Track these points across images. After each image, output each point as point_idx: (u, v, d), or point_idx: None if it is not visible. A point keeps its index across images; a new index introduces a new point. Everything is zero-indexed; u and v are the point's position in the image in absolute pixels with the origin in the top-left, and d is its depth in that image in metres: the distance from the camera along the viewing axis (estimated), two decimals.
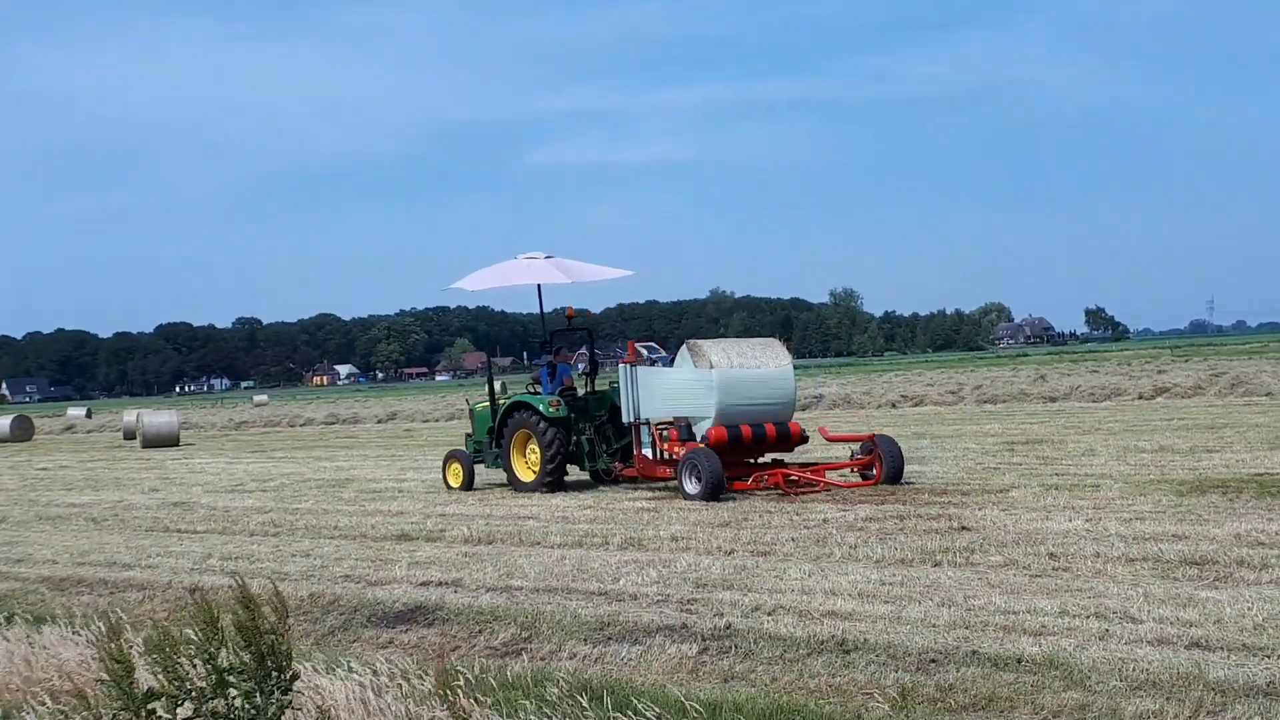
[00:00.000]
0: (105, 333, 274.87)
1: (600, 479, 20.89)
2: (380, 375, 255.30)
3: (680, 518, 15.88)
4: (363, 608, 11.68)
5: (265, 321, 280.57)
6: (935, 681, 8.10)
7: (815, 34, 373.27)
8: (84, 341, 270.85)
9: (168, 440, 46.12)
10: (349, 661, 7.89)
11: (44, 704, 6.79)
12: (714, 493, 17.37)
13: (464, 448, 22.48)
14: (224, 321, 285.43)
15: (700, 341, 19.14)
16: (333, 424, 58.32)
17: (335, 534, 16.70)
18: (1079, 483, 17.21)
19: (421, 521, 17.22)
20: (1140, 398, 39.61)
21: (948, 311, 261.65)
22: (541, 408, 20.32)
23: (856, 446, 19.04)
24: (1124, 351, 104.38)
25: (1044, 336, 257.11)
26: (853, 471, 18.73)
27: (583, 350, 24.84)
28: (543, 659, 9.54)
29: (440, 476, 22.18)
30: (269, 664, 5.24)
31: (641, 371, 19.47)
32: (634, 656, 9.32)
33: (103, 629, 6.10)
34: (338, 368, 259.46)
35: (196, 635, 5.41)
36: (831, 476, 18.48)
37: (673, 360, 19.88)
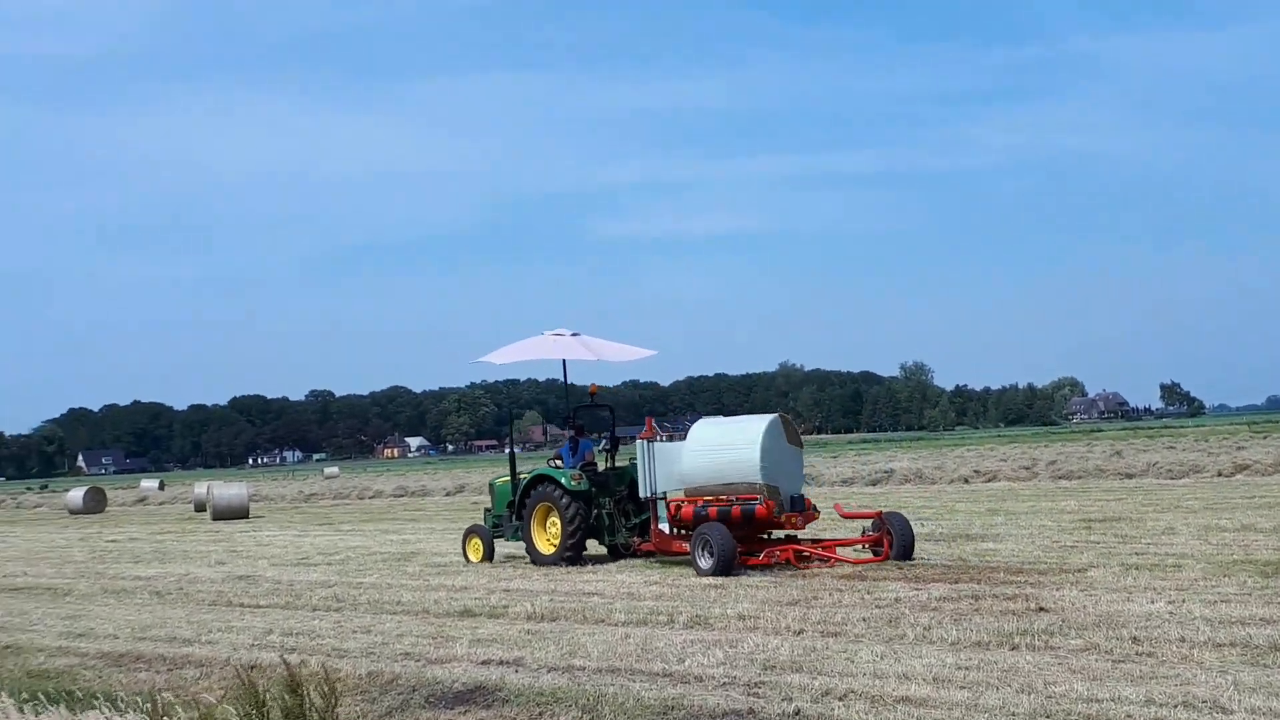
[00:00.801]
0: (180, 405, 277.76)
1: (619, 553, 21.06)
2: (450, 448, 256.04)
3: (748, 595, 15.51)
4: (421, 687, 11.41)
5: (338, 394, 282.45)
6: None
7: (884, 105, 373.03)
8: (159, 414, 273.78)
9: (238, 512, 46.23)
10: None
11: None
12: (726, 568, 17.47)
13: (483, 523, 22.84)
14: (297, 394, 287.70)
15: (703, 420, 19.98)
16: (401, 496, 58.27)
17: (398, 609, 16.47)
18: (1160, 562, 16.67)
19: (485, 597, 16.95)
20: (1219, 474, 38.70)
21: (1020, 386, 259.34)
22: (564, 481, 20.57)
23: (868, 524, 19.01)
24: (1200, 427, 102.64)
25: (1118, 412, 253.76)
26: (864, 548, 18.66)
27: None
28: None
29: (460, 551, 22.48)
30: None
31: (658, 447, 19.74)
32: None
33: (150, 709, 5.86)
34: (408, 440, 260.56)
35: (242, 716, 5.16)
36: (842, 553, 18.54)
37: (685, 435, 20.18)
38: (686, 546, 18.71)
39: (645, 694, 10.31)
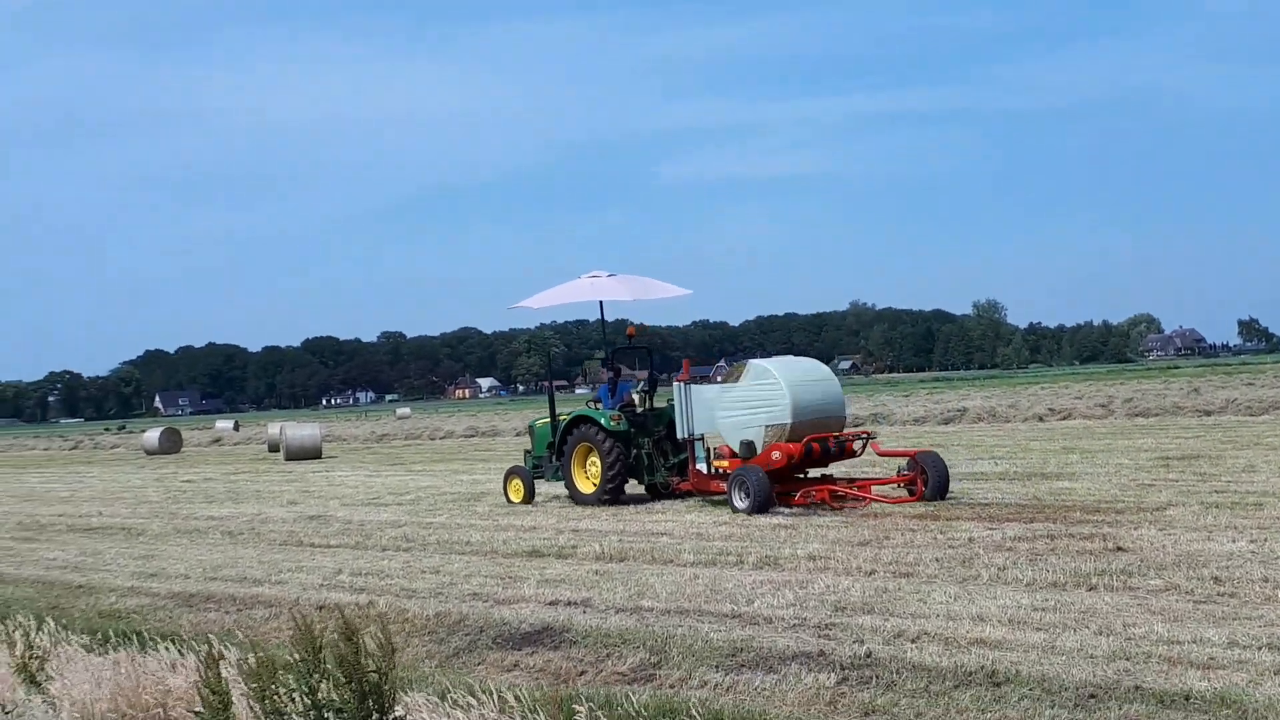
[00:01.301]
0: (254, 347, 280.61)
1: (657, 492, 21.32)
2: (521, 388, 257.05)
3: (818, 535, 15.33)
4: (489, 628, 11.34)
5: (409, 335, 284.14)
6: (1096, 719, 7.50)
7: (957, 43, 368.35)
8: (234, 355, 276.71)
9: (310, 453, 46.53)
10: (461, 695, 7.50)
11: None
12: (763, 507, 17.84)
13: (523, 464, 23.09)
14: (369, 336, 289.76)
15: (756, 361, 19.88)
16: (472, 437, 58.50)
17: (466, 549, 16.44)
18: (1240, 501, 16.30)
19: (553, 537, 16.89)
20: None
21: (1095, 323, 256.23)
22: (603, 422, 20.92)
23: (903, 463, 19.16)
24: None
25: (1195, 348, 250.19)
26: (899, 487, 18.82)
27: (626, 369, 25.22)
28: (672, 686, 9.10)
29: (502, 491, 22.58)
30: (370, 703, 4.83)
31: (695, 389, 20.02)
32: (768, 686, 8.83)
33: (205, 654, 5.78)
34: (479, 381, 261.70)
35: (296, 665, 5.05)
36: (878, 492, 18.60)
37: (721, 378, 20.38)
38: (724, 486, 18.95)
39: (713, 635, 10.18)
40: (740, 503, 18.15)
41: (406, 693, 7.47)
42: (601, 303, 22.98)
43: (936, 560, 12.92)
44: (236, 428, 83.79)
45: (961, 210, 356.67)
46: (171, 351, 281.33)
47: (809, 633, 10.10)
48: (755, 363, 19.80)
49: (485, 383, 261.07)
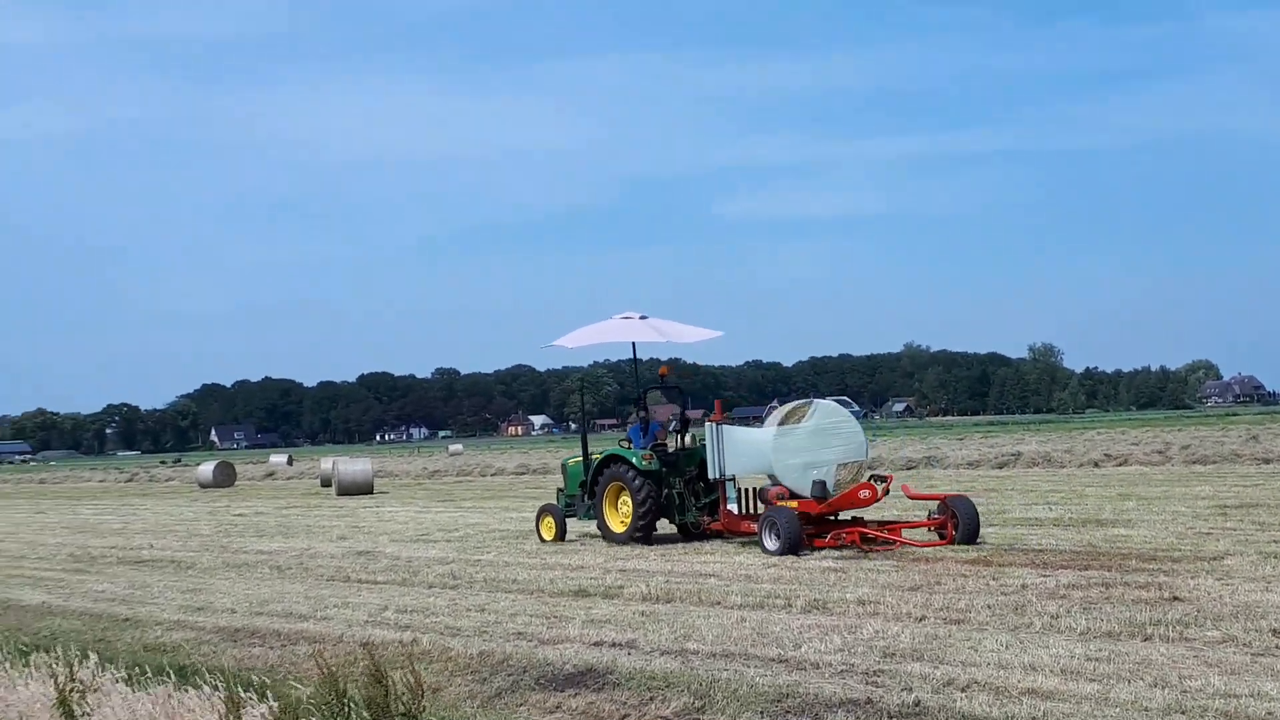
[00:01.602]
0: (310, 382, 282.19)
1: (688, 532, 21.38)
2: (573, 426, 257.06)
3: (868, 579, 15.13)
4: (532, 668, 11.22)
5: (463, 372, 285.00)
6: None
7: (1013, 84, 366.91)
8: (290, 390, 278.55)
9: (362, 488, 46.61)
10: None
11: None
12: (792, 549, 17.83)
13: (555, 502, 23.26)
14: (424, 372, 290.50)
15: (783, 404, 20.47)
16: (523, 474, 58.44)
17: (513, 588, 16.35)
18: None
19: (600, 577, 16.77)
20: None
21: (1152, 368, 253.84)
22: (635, 461, 20.97)
23: (934, 506, 19.21)
24: None
25: (1254, 395, 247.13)
26: (930, 530, 18.82)
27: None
28: None
29: (534, 529, 22.77)
30: None
31: (727, 430, 20.16)
32: None
33: (226, 698, 5.70)
34: (532, 418, 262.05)
35: (320, 709, 4.95)
36: (908, 535, 18.62)
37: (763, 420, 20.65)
38: (755, 526, 19.02)
39: (759, 680, 10.02)
40: (771, 544, 18.18)
41: None
42: (634, 344, 23.21)
43: (988, 607, 12.71)
44: (290, 462, 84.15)
45: (1018, 252, 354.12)
46: (228, 385, 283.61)
47: (857, 679, 9.92)
48: (823, 402, 20.20)
49: (538, 420, 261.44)
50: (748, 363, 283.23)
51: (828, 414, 19.63)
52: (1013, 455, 46.02)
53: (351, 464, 49.22)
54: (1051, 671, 9.78)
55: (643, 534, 20.72)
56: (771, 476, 19.61)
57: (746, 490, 20.34)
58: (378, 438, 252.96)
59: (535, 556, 19.75)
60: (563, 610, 14.13)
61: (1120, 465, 41.59)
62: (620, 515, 21.25)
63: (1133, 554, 16.44)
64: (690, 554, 18.92)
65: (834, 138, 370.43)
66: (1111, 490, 29.12)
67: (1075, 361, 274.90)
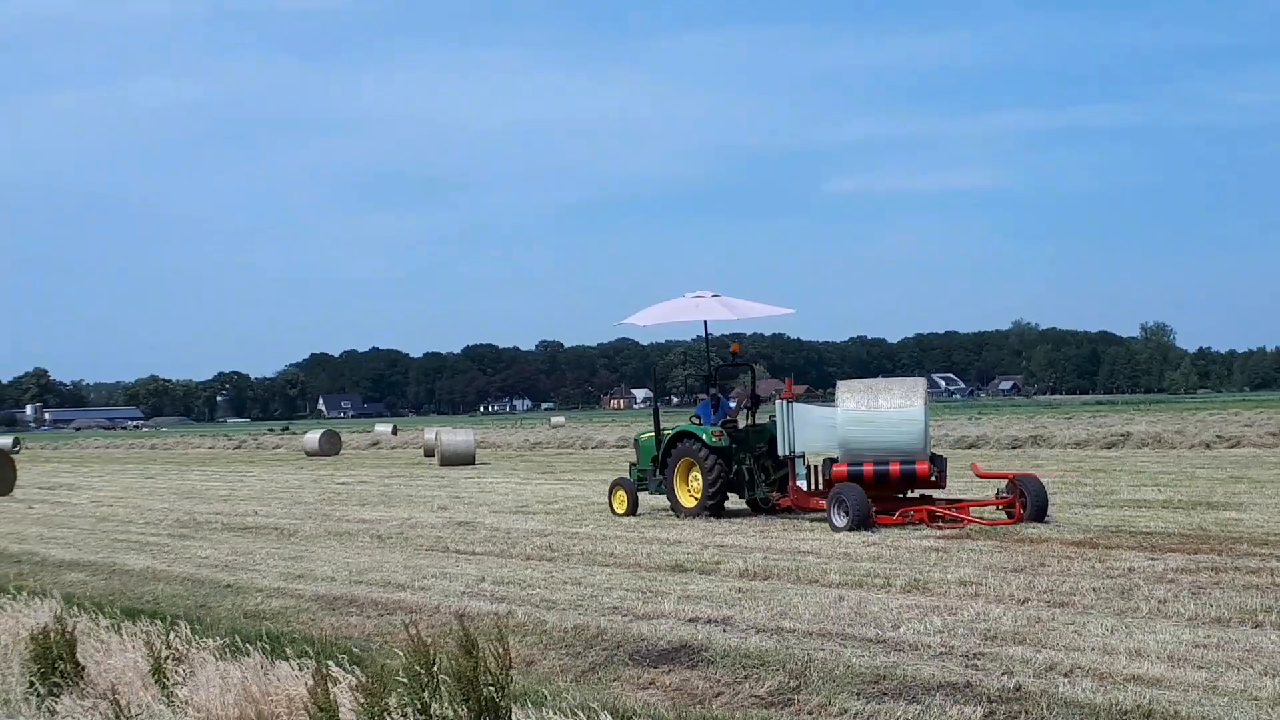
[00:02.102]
0: (416, 352, 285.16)
1: (758, 508, 21.75)
2: (675, 399, 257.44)
3: (970, 560, 14.87)
4: (627, 643, 11.13)
5: (566, 345, 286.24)
6: None
7: (1130, 59, 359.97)
8: (396, 361, 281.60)
9: (464, 459, 46.92)
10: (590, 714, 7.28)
11: None
12: (860, 525, 18.14)
13: (628, 476, 23.70)
14: (528, 344, 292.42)
15: (843, 383, 20.57)
16: (623, 447, 58.39)
17: (609, 561, 16.30)
18: None
19: (698, 552, 16.66)
20: None
21: (1267, 349, 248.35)
22: (705, 437, 21.37)
23: (1002, 485, 19.56)
24: None
25: None
26: (997, 509, 19.13)
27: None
28: (810, 713, 8.80)
29: (606, 503, 23.30)
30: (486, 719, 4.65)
31: (797, 407, 20.37)
32: (910, 717, 8.47)
33: (315, 670, 5.66)
34: (634, 391, 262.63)
35: (408, 682, 4.88)
36: (976, 513, 18.84)
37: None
38: (823, 503, 19.22)
39: (856, 661, 9.85)
40: (839, 520, 18.43)
41: (536, 709, 7.29)
42: (706, 322, 23.38)
43: (1093, 590, 12.43)
44: (395, 432, 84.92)
45: (1132, 229, 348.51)
46: (336, 355, 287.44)
47: (956, 662, 9.72)
48: (894, 381, 20.95)
49: (640, 393, 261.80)
50: (852, 338, 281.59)
51: (896, 394, 19.77)
52: (1122, 435, 45.25)
53: (454, 435, 49.56)
54: (1158, 658, 9.51)
55: (712, 509, 21.06)
56: (839, 454, 19.80)
57: (815, 467, 20.39)
58: (481, 409, 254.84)
59: (633, 530, 19.68)
60: (659, 585, 14.04)
61: (1232, 447, 40.70)
62: (690, 490, 21.62)
63: (1244, 538, 16.03)
64: (789, 531, 18.75)
65: (944, 113, 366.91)
66: (1223, 473, 28.48)
67: (1188, 341, 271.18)
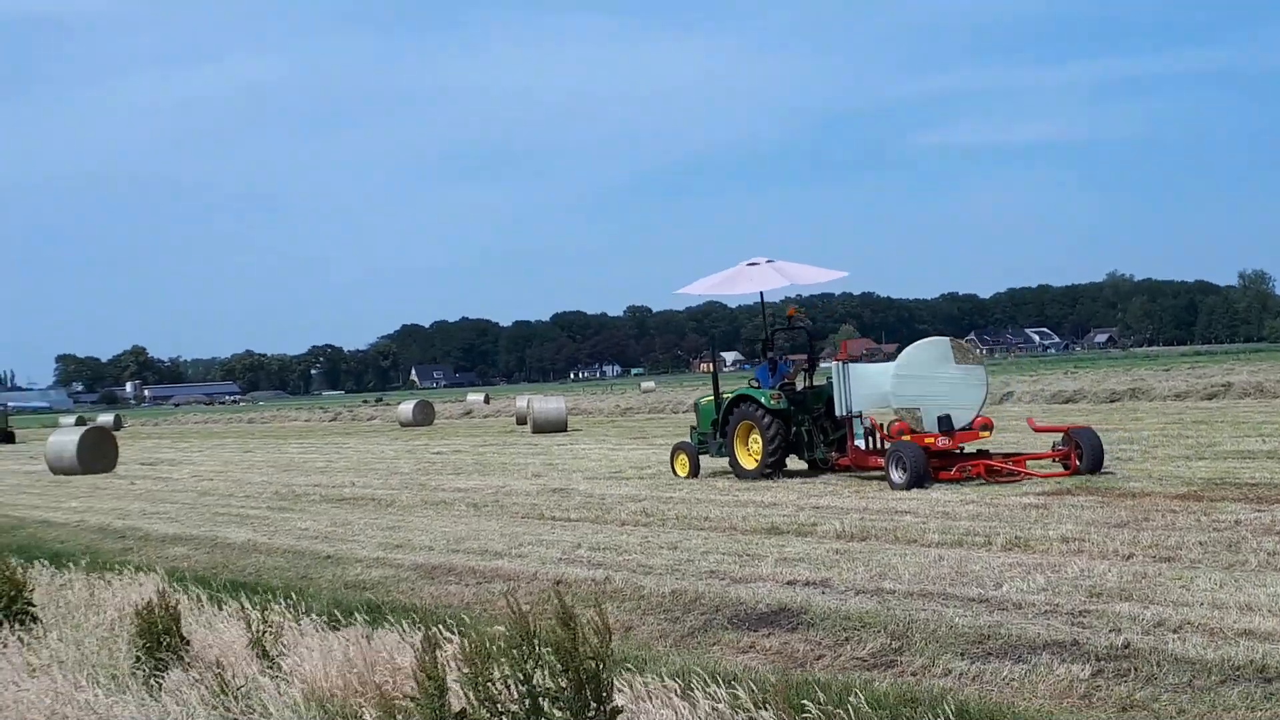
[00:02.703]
0: (506, 321, 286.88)
1: (817, 468, 22.16)
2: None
3: (1072, 516, 14.63)
4: (725, 607, 11.08)
5: (655, 310, 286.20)
6: None
7: (1222, 2, 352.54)
8: (486, 330, 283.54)
9: (556, 425, 47.12)
10: (690, 680, 7.23)
11: (364, 716, 6.45)
12: (919, 481, 18.42)
13: (689, 440, 24.05)
14: (616, 310, 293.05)
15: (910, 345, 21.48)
16: None
17: (705, 525, 16.24)
18: None
19: (794, 514, 16.54)
20: None
21: None
22: (763, 400, 21.79)
23: (1058, 438, 19.75)
24: None
25: None
26: (1054, 461, 19.45)
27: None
28: (913, 674, 8.68)
29: (669, 466, 23.76)
30: (587, 692, 4.60)
31: (853, 368, 21.05)
32: (1016, 677, 8.34)
33: (422, 639, 5.64)
34: (724, 354, 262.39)
35: (510, 653, 4.84)
36: (1032, 467, 19.27)
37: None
38: (882, 461, 19.54)
39: (959, 621, 9.72)
40: (897, 477, 18.64)
41: (636, 674, 7.26)
42: (762, 292, 23.87)
43: (1200, 544, 12.18)
44: (487, 400, 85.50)
45: (1226, 177, 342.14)
46: (427, 326, 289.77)
47: (1061, 620, 9.56)
48: (949, 341, 21.10)
49: (730, 356, 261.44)
50: (943, 295, 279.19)
51: (950, 355, 20.41)
52: (1222, 386, 44.41)
53: (546, 402, 49.79)
54: (1270, 612, 9.29)
55: (772, 470, 21.44)
56: (896, 412, 20.29)
57: (874, 426, 20.85)
58: (571, 376, 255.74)
59: (727, 494, 19.61)
60: (755, 548, 13.96)
61: None
62: (750, 452, 22.01)
63: None
64: (885, 491, 18.58)
65: (1035, 63, 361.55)
66: None
67: None
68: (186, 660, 8.26)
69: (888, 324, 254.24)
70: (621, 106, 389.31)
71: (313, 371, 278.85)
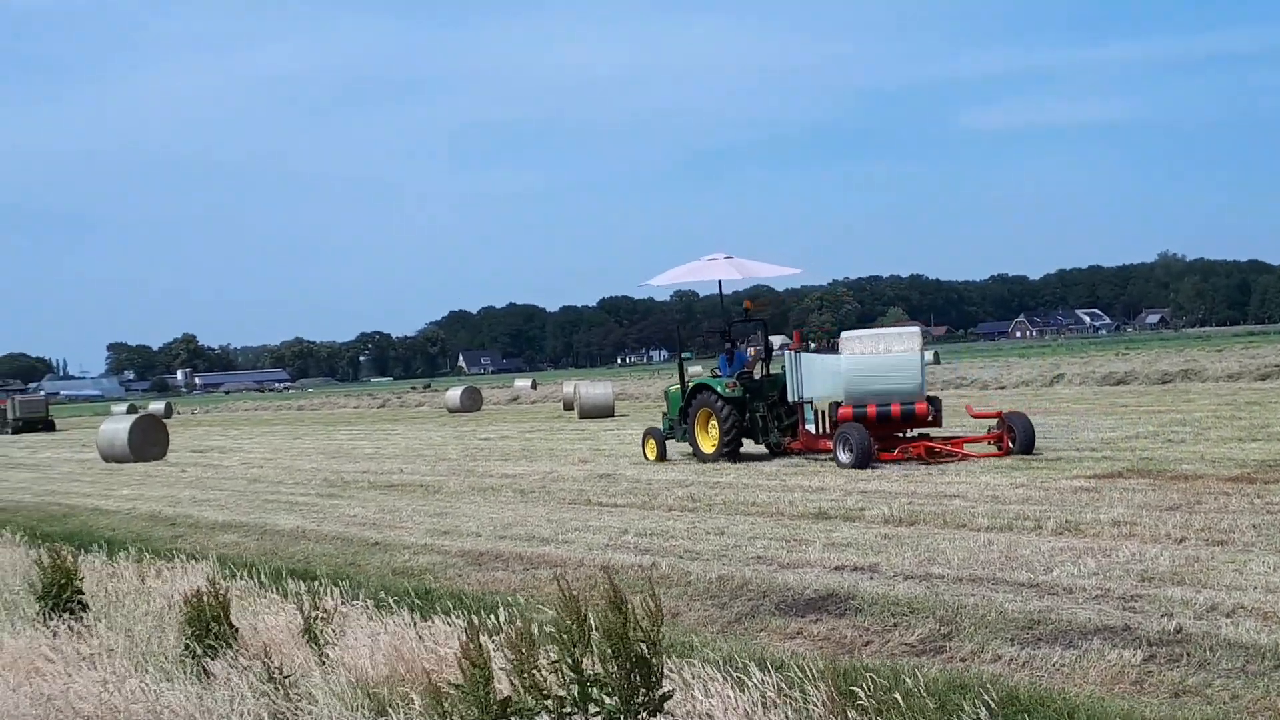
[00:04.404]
0: (552, 307, 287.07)
1: (773, 451, 23.36)
2: (813, 345, 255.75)
3: (1123, 499, 14.50)
4: (772, 593, 11.04)
5: (701, 294, 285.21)
6: None
7: None
8: (533, 315, 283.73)
9: (603, 411, 47.10)
10: (738, 666, 7.20)
11: (412, 703, 6.45)
12: (864, 461, 19.75)
13: (659, 426, 25.57)
14: (662, 294, 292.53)
15: (846, 333, 22.82)
16: None
17: (752, 510, 16.20)
18: None
19: (841, 499, 16.47)
20: None
21: None
22: (719, 389, 23.31)
23: (993, 422, 21.25)
24: None
25: None
26: (989, 443, 20.91)
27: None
28: (962, 660, 8.62)
29: (640, 450, 25.12)
30: (637, 678, 4.57)
31: (804, 357, 22.42)
32: (1067, 662, 8.26)
33: (466, 625, 5.63)
34: (772, 338, 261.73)
35: (559, 638, 4.82)
36: (969, 449, 20.59)
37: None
38: (830, 444, 20.96)
39: (1008, 606, 9.65)
40: (844, 457, 20.11)
41: (687, 660, 7.23)
42: (720, 282, 25.23)
43: (1253, 527, 12.05)
44: (534, 386, 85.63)
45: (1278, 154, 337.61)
46: (474, 312, 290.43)
47: (1112, 605, 9.47)
48: (890, 331, 22.68)
49: (777, 340, 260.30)
50: (993, 277, 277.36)
51: (894, 342, 21.56)
52: (1276, 367, 43.89)
53: (593, 387, 49.79)
54: None
55: (729, 453, 22.83)
56: (844, 398, 21.48)
57: (823, 412, 22.25)
58: (618, 361, 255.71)
59: (774, 479, 19.55)
60: (803, 533, 13.91)
61: None
62: (710, 437, 23.45)
63: None
64: (934, 475, 18.48)
65: (1081, 43, 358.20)
66: None
67: None
68: (235, 648, 8.30)
69: (937, 306, 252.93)
70: (670, 87, 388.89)
71: (361, 358, 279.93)
